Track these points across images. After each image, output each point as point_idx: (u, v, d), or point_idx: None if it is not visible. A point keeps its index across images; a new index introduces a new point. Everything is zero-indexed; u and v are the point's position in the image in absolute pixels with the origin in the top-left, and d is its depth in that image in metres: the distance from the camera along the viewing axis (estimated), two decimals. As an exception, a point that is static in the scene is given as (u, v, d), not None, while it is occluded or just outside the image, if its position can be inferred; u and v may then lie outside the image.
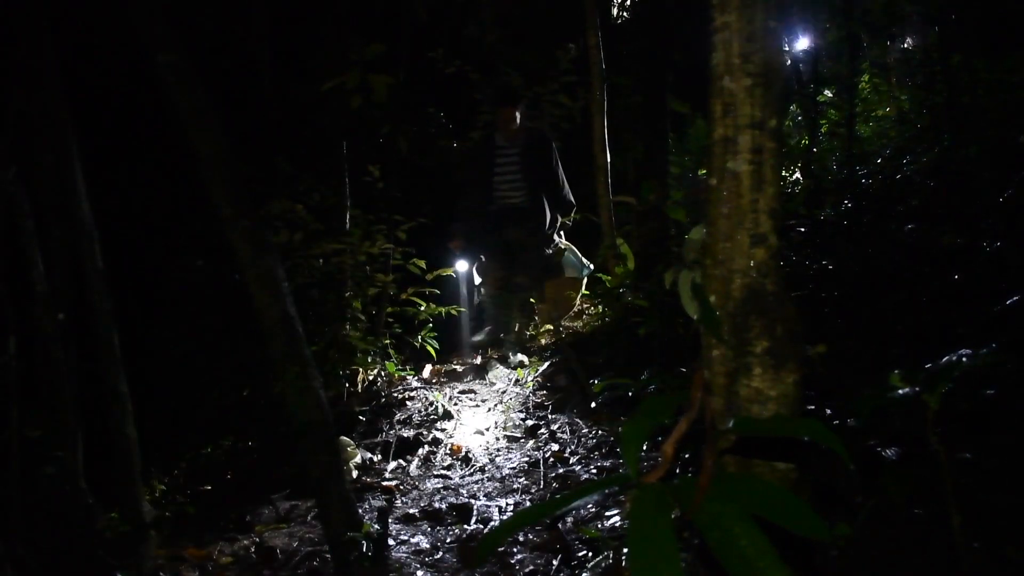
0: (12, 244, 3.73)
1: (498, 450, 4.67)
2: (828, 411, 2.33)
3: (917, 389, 1.56)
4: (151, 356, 5.65)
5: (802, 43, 8.96)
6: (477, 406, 5.41)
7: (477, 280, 6.78)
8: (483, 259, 6.58)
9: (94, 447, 4.00)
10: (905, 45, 9.65)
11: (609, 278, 5.53)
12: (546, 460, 4.24)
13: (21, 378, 3.65)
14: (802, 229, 5.92)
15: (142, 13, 3.16)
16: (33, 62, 3.80)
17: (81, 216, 3.88)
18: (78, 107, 4.03)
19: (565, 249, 6.63)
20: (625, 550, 2.30)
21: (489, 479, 4.28)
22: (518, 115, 6.29)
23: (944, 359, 1.68)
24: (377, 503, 4.09)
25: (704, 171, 1.79)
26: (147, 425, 4.10)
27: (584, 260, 6.62)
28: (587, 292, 6.52)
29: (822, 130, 8.20)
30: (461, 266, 6.59)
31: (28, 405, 3.70)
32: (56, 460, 3.78)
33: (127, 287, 4.91)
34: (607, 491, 1.11)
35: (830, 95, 9.29)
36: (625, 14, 10.66)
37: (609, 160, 6.02)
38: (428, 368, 6.20)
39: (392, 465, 4.71)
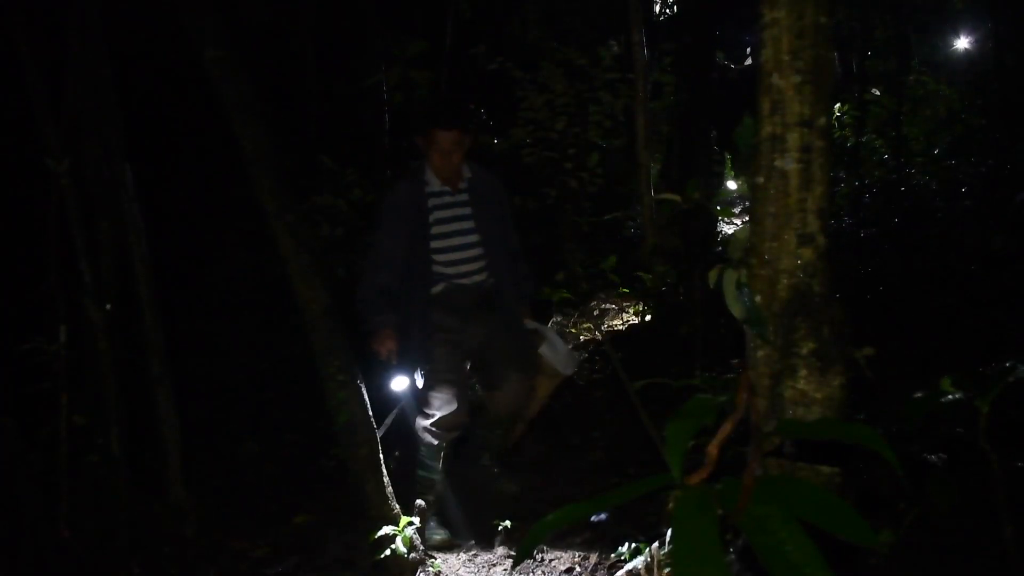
0: (63, 236, 3.81)
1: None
2: (872, 415, 2.28)
3: (968, 395, 1.52)
4: (193, 348, 5.73)
5: (850, 40, 8.83)
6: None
7: (426, 418, 3.79)
8: (426, 379, 3.77)
9: (137, 436, 4.07)
10: (957, 45, 9.45)
11: (650, 277, 5.49)
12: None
13: (69, 367, 3.73)
14: (847, 228, 5.83)
15: (191, 10, 3.20)
16: (86, 58, 3.87)
17: (128, 209, 3.95)
18: (127, 102, 4.10)
19: (540, 337, 4.10)
20: (662, 549, 2.28)
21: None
22: (464, 143, 3.66)
23: (995, 364, 1.64)
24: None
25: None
26: (188, 416, 4.17)
27: (568, 351, 4.24)
28: (625, 291, 6.22)
29: (868, 129, 8.07)
30: (398, 384, 3.86)
31: (76, 393, 3.78)
32: (100, 447, 3.86)
33: (171, 280, 4.98)
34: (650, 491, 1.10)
35: (877, 93, 9.13)
36: (668, 11, 10.58)
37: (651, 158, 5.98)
38: None
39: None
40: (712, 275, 1.70)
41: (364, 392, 3.35)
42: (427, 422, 3.72)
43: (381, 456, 3.37)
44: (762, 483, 1.08)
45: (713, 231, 5.75)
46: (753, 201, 1.59)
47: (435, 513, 3.80)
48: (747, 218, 1.68)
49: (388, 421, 3.81)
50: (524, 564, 3.22)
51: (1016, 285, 4.01)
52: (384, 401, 3.89)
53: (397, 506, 3.41)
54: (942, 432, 1.87)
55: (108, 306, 3.86)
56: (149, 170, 4.51)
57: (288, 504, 4.37)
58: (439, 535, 3.72)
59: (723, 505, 1.05)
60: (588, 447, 4.58)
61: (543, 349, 4.01)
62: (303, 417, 5.27)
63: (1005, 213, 5.05)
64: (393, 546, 3.24)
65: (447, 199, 3.71)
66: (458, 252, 3.72)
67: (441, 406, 3.70)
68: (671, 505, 1.07)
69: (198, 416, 4.83)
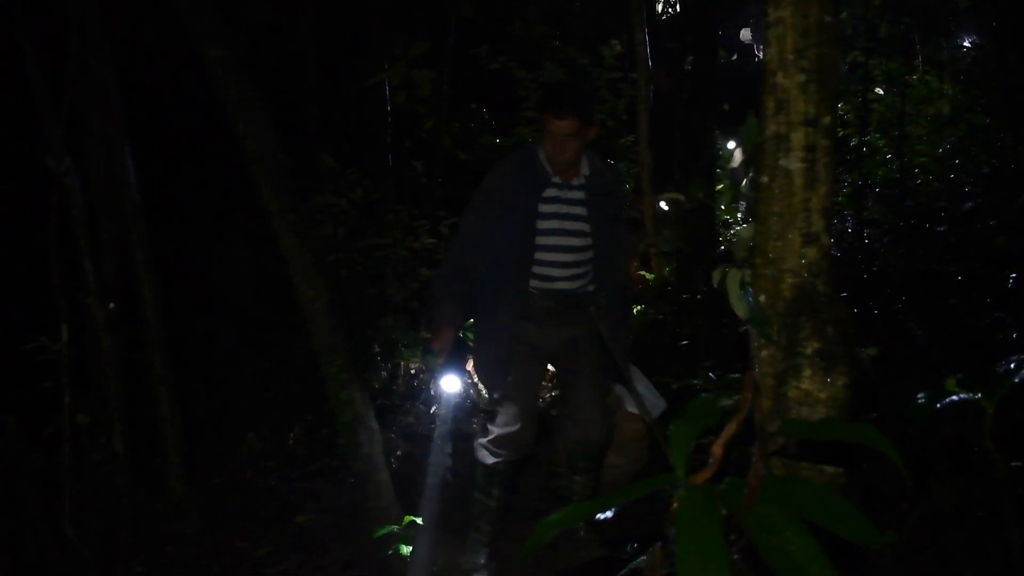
0: (65, 234, 3.81)
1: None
2: (876, 415, 2.28)
3: (973, 395, 1.52)
4: (195, 347, 5.74)
5: (851, 38, 8.82)
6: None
7: (487, 434, 3.29)
8: (496, 381, 3.22)
9: (140, 434, 4.07)
10: (965, 43, 9.42)
11: (652, 276, 5.49)
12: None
13: (72, 366, 3.73)
14: (849, 229, 5.82)
15: (193, 9, 3.20)
16: (87, 57, 3.88)
17: (131, 208, 3.95)
18: (129, 101, 4.10)
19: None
20: (665, 549, 2.27)
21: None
22: (585, 135, 3.12)
23: (1000, 364, 1.63)
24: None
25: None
26: (190, 415, 4.17)
27: (654, 391, 3.69)
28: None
29: (870, 127, 8.05)
30: (449, 385, 3.44)
31: (78, 392, 3.78)
32: (102, 446, 3.86)
33: (172, 279, 4.99)
34: (654, 491, 1.09)
35: (880, 92, 9.11)
36: (670, 10, 10.57)
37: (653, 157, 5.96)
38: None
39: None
40: (716, 275, 1.69)
41: (366, 390, 3.35)
42: (485, 438, 3.25)
43: (384, 455, 3.37)
44: (766, 483, 1.08)
45: (715, 230, 5.74)
46: (757, 200, 1.59)
47: (486, 544, 3.32)
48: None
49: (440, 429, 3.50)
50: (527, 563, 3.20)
51: (1020, 285, 4.00)
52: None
53: (399, 505, 3.41)
54: (946, 433, 1.86)
55: (111, 305, 3.86)
56: (151, 169, 4.51)
57: (290, 503, 4.37)
58: (475, 567, 3.31)
59: (727, 505, 1.05)
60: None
61: (621, 388, 3.53)
62: (305, 416, 5.27)
63: (1008, 213, 5.04)
64: (395, 546, 3.24)
65: (554, 192, 3.17)
66: (560, 254, 3.18)
67: (504, 423, 3.19)
68: (675, 505, 1.06)
69: (200, 415, 4.84)
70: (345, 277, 5.69)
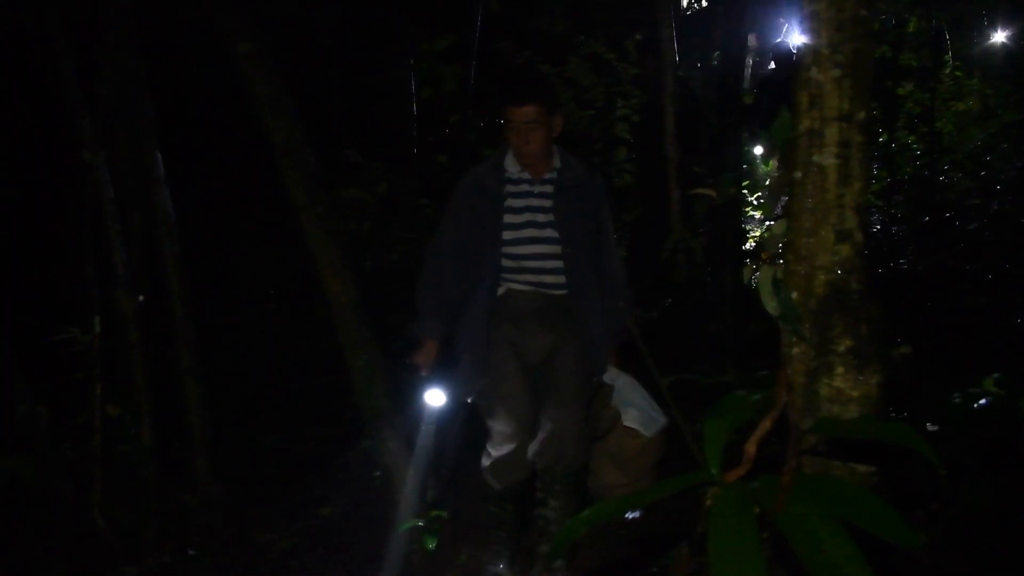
0: (97, 228, 3.86)
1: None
2: (907, 414, 2.25)
3: (1010, 394, 1.50)
4: (222, 340, 5.78)
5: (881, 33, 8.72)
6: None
7: (488, 456, 3.08)
8: (484, 400, 3.09)
9: (168, 426, 4.11)
10: (993, 38, 9.28)
11: (678, 272, 5.46)
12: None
13: (101, 358, 3.78)
14: (879, 226, 5.76)
15: (222, 5, 3.22)
16: (119, 53, 3.91)
17: (160, 202, 3.98)
18: (158, 96, 4.14)
19: (622, 385, 3.28)
20: (695, 547, 2.26)
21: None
22: (550, 125, 3.01)
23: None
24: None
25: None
26: (218, 407, 4.20)
27: (653, 405, 3.31)
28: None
29: (899, 124, 7.96)
30: (433, 399, 3.21)
31: (107, 384, 3.83)
32: (132, 437, 3.91)
33: (200, 272, 5.02)
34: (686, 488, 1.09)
35: (910, 88, 9.01)
36: (696, 5, 10.49)
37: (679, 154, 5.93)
38: None
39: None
40: (746, 271, 1.68)
41: (392, 384, 3.36)
42: (486, 462, 3.05)
43: (408, 449, 3.38)
44: (800, 481, 1.07)
45: (744, 227, 5.70)
46: (790, 196, 1.57)
47: (509, 545, 3.17)
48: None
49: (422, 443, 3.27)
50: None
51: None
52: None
53: (425, 499, 3.42)
54: (981, 432, 1.84)
55: (141, 298, 3.90)
56: (179, 163, 4.55)
57: (314, 496, 4.39)
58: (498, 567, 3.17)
59: (761, 503, 1.04)
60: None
61: (621, 398, 3.23)
62: (330, 409, 5.29)
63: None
64: (420, 540, 3.25)
65: (524, 187, 3.04)
66: (529, 246, 3.03)
67: (499, 443, 3.00)
68: (708, 502, 1.05)
69: (226, 408, 4.87)
70: (370, 271, 5.71)
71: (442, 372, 3.16)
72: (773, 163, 1.66)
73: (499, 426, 3.01)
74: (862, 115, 1.51)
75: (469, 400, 3.11)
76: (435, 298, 3.08)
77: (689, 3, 10.41)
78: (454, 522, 3.33)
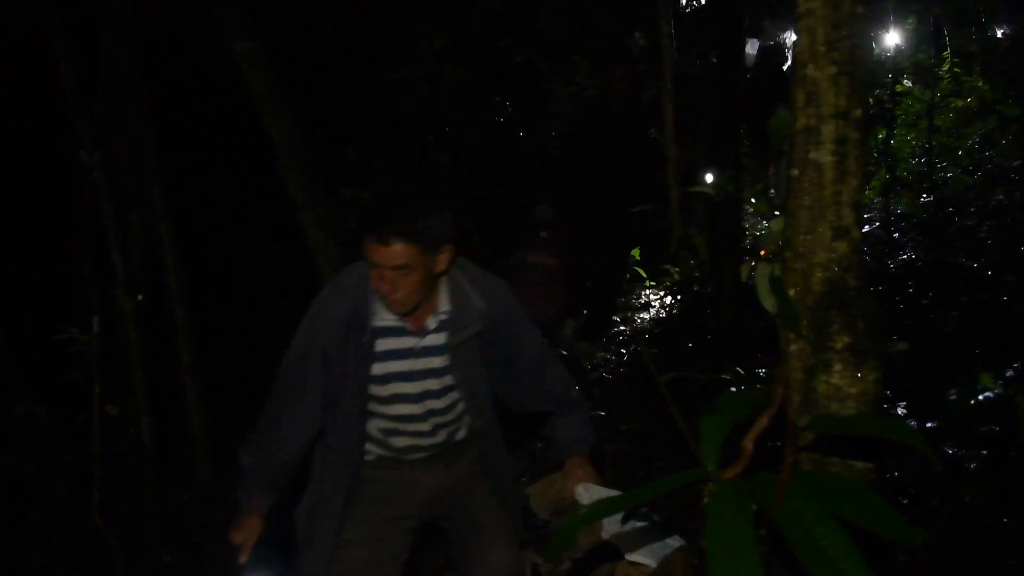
0: (95, 227, 3.86)
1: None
2: (905, 410, 2.26)
3: (1008, 391, 1.50)
4: (221, 339, 5.78)
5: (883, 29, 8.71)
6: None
7: None
8: None
9: (167, 425, 4.12)
10: (999, 33, 9.26)
11: (677, 270, 5.47)
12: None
13: (100, 357, 3.78)
14: (877, 223, 5.76)
15: (220, 3, 3.22)
16: (117, 53, 3.91)
17: (157, 201, 3.99)
18: (156, 95, 4.14)
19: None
20: (691, 543, 2.26)
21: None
22: (429, 266, 2.07)
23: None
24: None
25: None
26: (217, 406, 4.20)
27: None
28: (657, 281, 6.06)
29: (898, 120, 7.96)
30: None
31: (107, 383, 3.83)
32: (131, 437, 3.91)
33: (200, 271, 5.02)
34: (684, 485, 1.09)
35: (908, 84, 9.00)
36: (696, 2, 10.49)
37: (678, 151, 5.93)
38: None
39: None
40: (744, 269, 1.69)
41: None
42: None
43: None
44: (797, 478, 1.07)
45: (742, 224, 5.69)
46: (787, 194, 1.57)
47: None
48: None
49: None
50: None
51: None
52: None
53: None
54: (978, 428, 1.84)
55: (140, 297, 3.90)
56: (178, 162, 4.55)
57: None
58: None
59: (758, 500, 1.04)
60: (615, 440, 4.57)
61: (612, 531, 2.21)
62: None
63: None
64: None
65: (404, 342, 2.19)
66: (416, 424, 2.26)
67: None
68: (705, 499, 1.06)
69: (226, 407, 4.88)
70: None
71: (267, 555, 2.42)
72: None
73: None
74: (858, 112, 1.51)
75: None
76: (270, 469, 2.32)
77: (688, 1, 10.41)
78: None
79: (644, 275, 6.49)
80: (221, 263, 6.62)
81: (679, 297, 5.76)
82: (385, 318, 2.16)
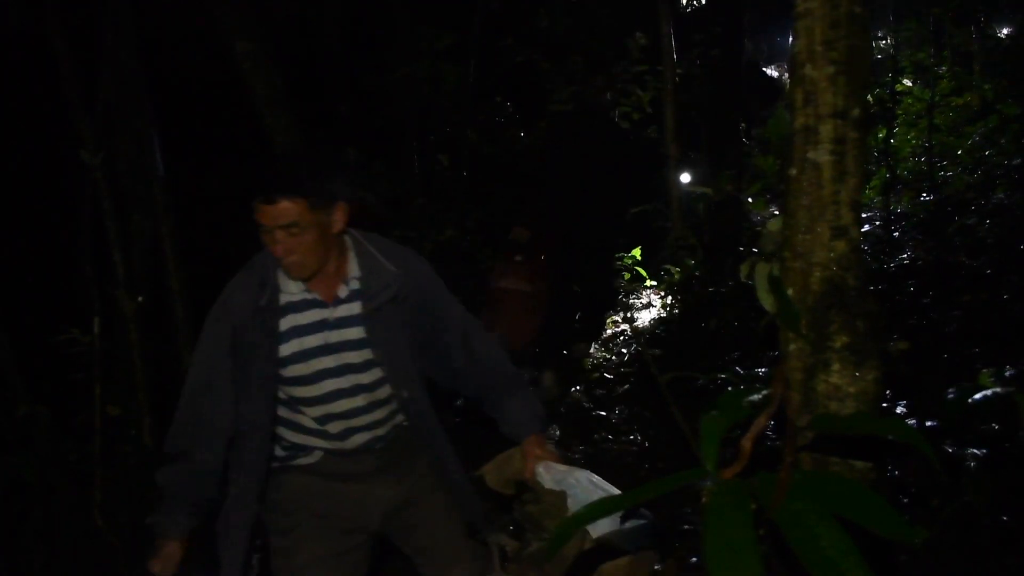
0: (96, 228, 3.86)
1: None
2: (904, 409, 2.26)
3: (1008, 389, 1.50)
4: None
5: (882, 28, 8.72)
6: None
7: None
8: None
9: (168, 426, 4.11)
10: (1000, 32, 9.25)
11: (678, 270, 5.47)
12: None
13: (102, 358, 3.78)
14: (877, 222, 5.76)
15: (221, 3, 3.23)
16: (118, 53, 3.92)
17: (159, 202, 3.99)
18: (158, 96, 4.14)
19: (576, 483, 2.09)
20: (688, 544, 2.27)
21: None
22: (324, 224, 2.01)
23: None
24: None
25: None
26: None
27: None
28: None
29: (898, 120, 7.96)
30: None
31: (108, 384, 3.83)
32: (132, 438, 3.91)
33: (201, 272, 5.03)
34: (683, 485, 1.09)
35: (908, 83, 8.99)
36: (696, 2, 10.49)
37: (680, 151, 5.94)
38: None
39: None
40: (744, 268, 1.69)
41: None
42: None
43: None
44: (798, 478, 1.07)
45: (742, 224, 5.71)
46: (786, 193, 1.58)
47: None
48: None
49: None
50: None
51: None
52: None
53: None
54: (979, 427, 1.84)
55: (140, 298, 3.91)
56: (179, 163, 4.55)
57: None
58: None
59: (758, 499, 1.04)
60: (614, 440, 4.57)
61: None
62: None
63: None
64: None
65: (317, 315, 2.10)
66: (347, 400, 2.15)
67: None
68: (705, 499, 1.06)
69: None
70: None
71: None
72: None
73: None
74: (857, 112, 1.52)
75: None
76: (186, 480, 2.17)
77: (688, 1, 10.42)
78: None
79: (644, 275, 6.49)
80: (223, 264, 6.61)
81: (679, 297, 5.76)
82: (293, 292, 2.08)
